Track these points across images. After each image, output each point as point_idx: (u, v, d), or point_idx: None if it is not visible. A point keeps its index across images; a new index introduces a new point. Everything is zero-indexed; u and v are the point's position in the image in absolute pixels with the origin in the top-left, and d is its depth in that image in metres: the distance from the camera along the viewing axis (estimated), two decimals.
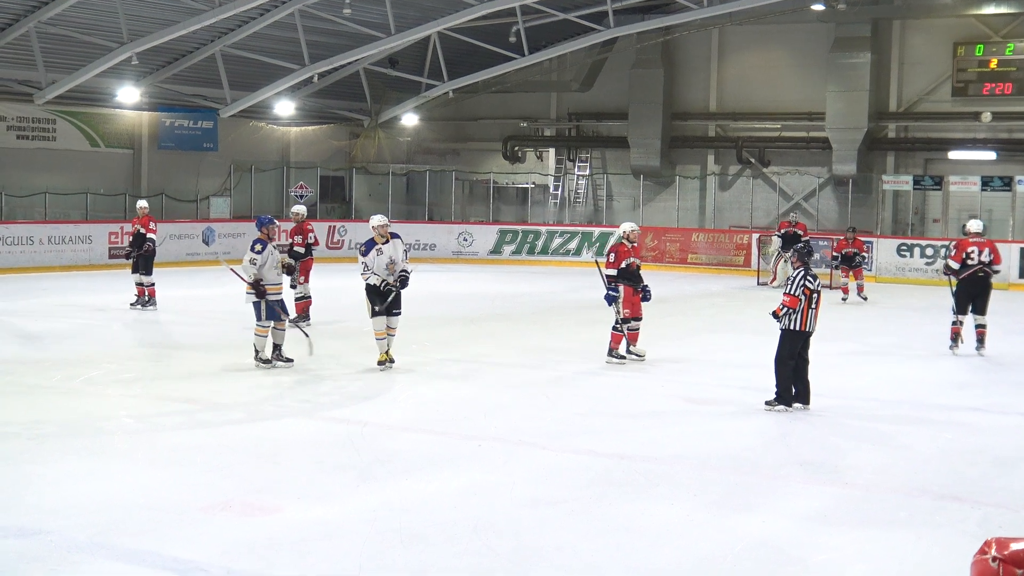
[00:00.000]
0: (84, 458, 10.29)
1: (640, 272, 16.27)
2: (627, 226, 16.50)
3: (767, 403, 13.01)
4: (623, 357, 15.98)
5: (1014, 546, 2.18)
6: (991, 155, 32.50)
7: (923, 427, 12.51)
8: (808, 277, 12.99)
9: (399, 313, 14.94)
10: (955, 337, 17.43)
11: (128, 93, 30.81)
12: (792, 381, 12.99)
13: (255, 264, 15.02)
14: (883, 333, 20.50)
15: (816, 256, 28.75)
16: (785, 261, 15.80)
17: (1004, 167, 32.12)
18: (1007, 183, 31.33)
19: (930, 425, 12.60)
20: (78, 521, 8.35)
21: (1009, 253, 29.91)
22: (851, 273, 25.63)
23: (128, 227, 23.42)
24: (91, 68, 28.76)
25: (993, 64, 32.06)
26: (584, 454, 10.83)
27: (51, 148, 31.07)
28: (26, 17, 26.88)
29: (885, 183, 33.51)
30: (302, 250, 19.24)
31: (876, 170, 34.08)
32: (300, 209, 20.14)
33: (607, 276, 15.96)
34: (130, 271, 21.44)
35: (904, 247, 31.40)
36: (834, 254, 26.49)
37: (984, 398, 13.46)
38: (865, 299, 25.08)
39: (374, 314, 14.80)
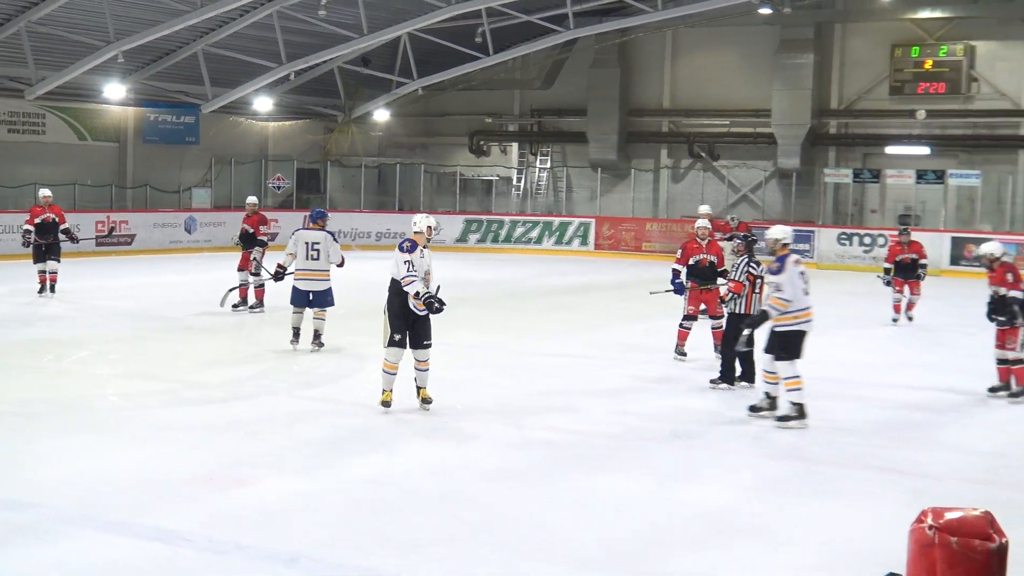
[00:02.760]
0: (73, 435, 10.21)
1: (716, 268, 14.79)
2: (697, 222, 15.63)
3: (712, 382, 13.08)
4: (684, 354, 14.77)
5: (948, 515, 2.20)
6: (925, 150, 32.72)
7: (864, 404, 12.60)
8: (751, 264, 13.06)
9: (430, 345, 11.25)
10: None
11: (114, 89, 30.59)
12: (738, 361, 13.07)
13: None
14: (825, 316, 20.56)
15: (761, 244, 28.86)
16: (733, 252, 14.24)
17: (937, 161, 32.35)
18: (940, 176, 31.58)
19: (870, 402, 12.69)
20: (68, 494, 8.31)
21: (941, 242, 30.22)
22: (906, 286, 18.94)
23: (24, 215, 21.60)
24: (79, 66, 28.55)
25: (928, 65, 32.26)
26: (544, 430, 10.84)
27: (41, 141, 30.87)
28: (17, 17, 26.70)
29: (826, 176, 33.68)
30: (266, 239, 18.99)
31: (818, 164, 34.24)
32: (255, 200, 19.80)
33: (673, 269, 15.02)
34: (34, 259, 20.01)
35: (844, 236, 31.63)
36: (886, 266, 19.23)
37: (921, 377, 13.57)
38: (911, 319, 18.98)
39: (391, 343, 11.22)
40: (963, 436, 11.27)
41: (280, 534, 7.56)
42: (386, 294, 11.34)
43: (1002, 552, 2.20)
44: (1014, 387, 12.65)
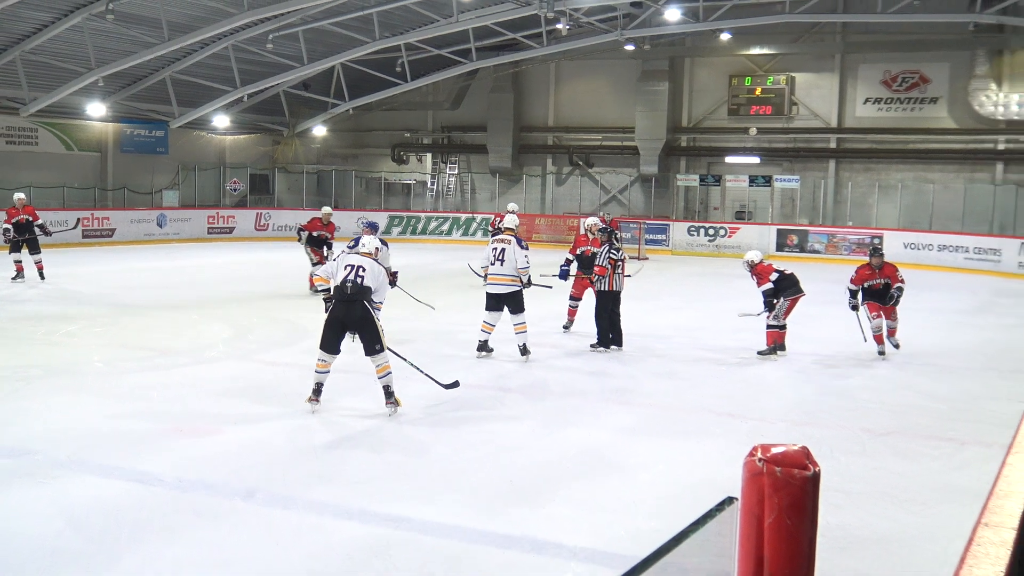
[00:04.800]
0: (63, 394, 10.01)
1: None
2: (587, 220, 15.24)
3: (591, 346, 13.19)
4: (567, 328, 14.64)
5: (774, 450, 2.25)
6: (756, 160, 33.21)
7: (705, 362, 12.78)
8: (612, 250, 13.19)
9: (381, 349, 9.32)
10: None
11: (96, 108, 29.95)
12: (609, 330, 13.19)
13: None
14: (677, 293, 20.87)
15: (628, 235, 29.16)
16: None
17: (766, 168, 32.87)
18: (767, 180, 32.11)
19: (711, 361, 12.88)
20: (59, 444, 8.15)
21: (769, 232, 30.77)
22: (882, 310, 13.17)
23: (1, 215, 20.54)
24: (66, 88, 27.94)
25: (758, 91, 32.72)
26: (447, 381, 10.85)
27: (34, 151, 30.11)
28: (13, 47, 26.04)
29: (679, 180, 34.05)
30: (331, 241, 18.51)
31: (672, 170, 34.59)
32: (330, 210, 19.42)
33: (566, 258, 14.78)
34: (10, 251, 19.32)
35: (693, 228, 32.00)
36: (851, 287, 13.22)
37: (750, 340, 13.77)
38: (897, 346, 13.37)
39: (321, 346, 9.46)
40: (786, 387, 11.50)
41: (238, 473, 7.49)
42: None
43: (816, 479, 2.26)
44: (765, 347, 13.10)
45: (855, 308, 13.21)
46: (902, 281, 13.17)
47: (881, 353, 13.11)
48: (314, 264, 18.35)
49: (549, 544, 6.27)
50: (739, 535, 2.28)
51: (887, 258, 13.56)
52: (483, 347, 12.61)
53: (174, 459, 7.80)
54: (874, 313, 13.14)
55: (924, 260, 27.47)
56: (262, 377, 11.15)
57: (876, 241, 13.22)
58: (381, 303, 9.57)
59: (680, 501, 7.05)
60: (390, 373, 9.37)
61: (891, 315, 13.27)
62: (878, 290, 13.13)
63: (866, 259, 13.60)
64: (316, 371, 9.43)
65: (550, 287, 14.32)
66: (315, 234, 18.44)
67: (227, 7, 25.86)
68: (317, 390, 9.42)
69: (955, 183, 30.59)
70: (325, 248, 18.26)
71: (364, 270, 9.36)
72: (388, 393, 9.37)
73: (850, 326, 13.70)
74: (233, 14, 26.11)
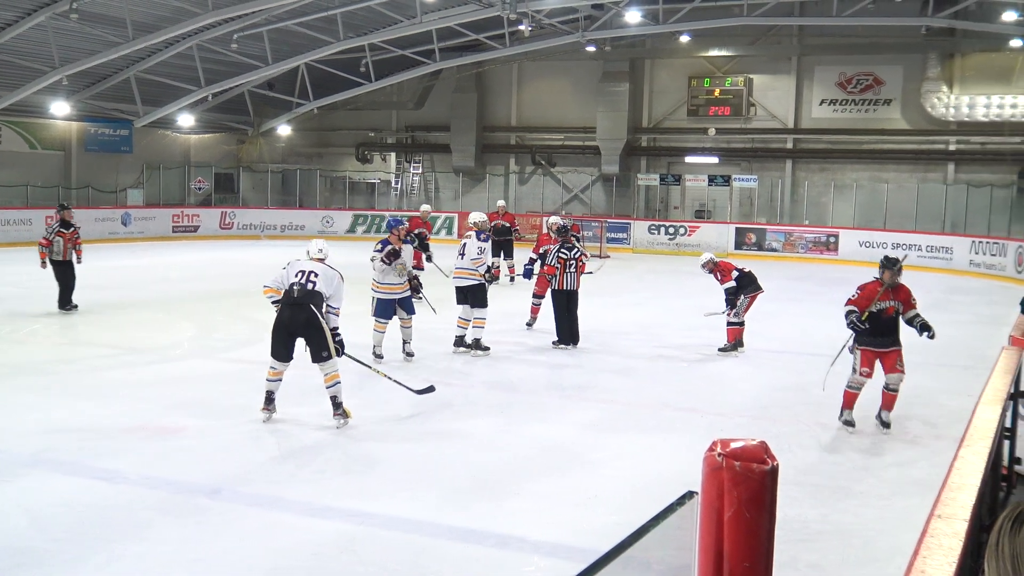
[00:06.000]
0: (29, 392, 9.88)
1: None
2: (550, 219, 15.13)
3: (553, 343, 13.20)
4: (530, 325, 14.57)
5: (733, 445, 2.27)
6: (715, 159, 33.37)
7: (665, 358, 12.83)
8: (562, 249, 13.18)
9: (329, 356, 8.82)
10: None
11: (60, 107, 29.56)
12: (567, 327, 13.19)
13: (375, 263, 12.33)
14: (637, 290, 20.92)
15: (589, 233, 29.18)
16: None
17: (724, 168, 33.04)
18: (726, 180, 32.25)
19: (671, 357, 12.92)
20: (26, 441, 8.05)
21: (728, 231, 30.95)
22: (881, 359, 9.09)
23: None
24: (30, 87, 27.54)
25: (717, 93, 32.85)
26: (420, 384, 10.82)
27: None
28: None
29: (639, 180, 34.13)
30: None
31: (633, 170, 34.67)
32: (427, 208, 19.15)
33: (530, 258, 14.61)
34: None
35: (653, 227, 32.11)
36: (848, 308, 9.06)
37: (709, 337, 13.84)
38: (887, 424, 9.15)
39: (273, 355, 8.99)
40: (745, 382, 11.56)
41: (203, 471, 7.43)
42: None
43: (774, 473, 2.28)
44: (726, 344, 13.15)
45: (854, 328, 9.05)
46: (915, 307, 9.24)
47: (848, 423, 9.15)
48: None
49: (512, 538, 6.28)
50: (699, 529, 2.29)
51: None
52: (459, 343, 12.58)
53: (139, 457, 7.73)
54: (865, 369, 9.07)
55: (878, 258, 27.60)
56: (227, 375, 11.07)
57: (897, 254, 9.91)
58: (338, 308, 9.04)
59: (641, 495, 7.08)
60: (339, 383, 8.81)
61: (893, 365, 9.04)
62: (888, 320, 9.10)
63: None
64: (267, 379, 8.95)
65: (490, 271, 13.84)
66: (416, 232, 18.03)
67: (192, 7, 25.61)
68: (269, 399, 8.93)
69: (908, 183, 30.90)
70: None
71: (316, 275, 8.88)
72: (336, 404, 8.79)
73: (805, 324, 13.78)
74: (198, 14, 25.86)
